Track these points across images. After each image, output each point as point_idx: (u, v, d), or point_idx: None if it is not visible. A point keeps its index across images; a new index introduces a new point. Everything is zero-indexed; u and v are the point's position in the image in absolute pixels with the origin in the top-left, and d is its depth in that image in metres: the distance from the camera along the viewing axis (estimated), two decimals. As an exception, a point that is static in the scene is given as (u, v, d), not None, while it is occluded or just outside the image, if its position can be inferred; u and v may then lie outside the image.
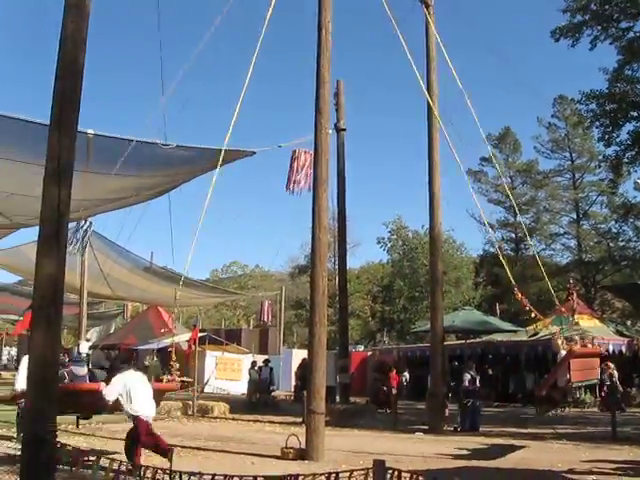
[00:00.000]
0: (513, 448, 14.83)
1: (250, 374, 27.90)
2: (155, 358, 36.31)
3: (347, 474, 5.56)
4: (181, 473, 6.23)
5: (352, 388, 29.27)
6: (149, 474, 6.27)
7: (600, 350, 16.42)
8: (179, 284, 18.30)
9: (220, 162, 13.69)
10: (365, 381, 37.42)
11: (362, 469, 5.49)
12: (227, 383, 35.21)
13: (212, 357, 35.00)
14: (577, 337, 16.40)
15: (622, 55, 24.12)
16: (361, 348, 45.96)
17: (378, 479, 5.08)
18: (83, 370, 13.18)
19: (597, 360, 16.75)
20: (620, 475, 10.86)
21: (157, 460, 10.21)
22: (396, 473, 5.24)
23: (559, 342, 14.22)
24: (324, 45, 13.86)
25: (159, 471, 6.35)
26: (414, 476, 5.23)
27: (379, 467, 5.12)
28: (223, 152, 14.01)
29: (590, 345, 17.26)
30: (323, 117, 13.78)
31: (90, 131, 13.63)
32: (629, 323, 37.84)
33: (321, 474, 5.80)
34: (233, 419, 20.99)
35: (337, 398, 25.90)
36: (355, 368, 35.81)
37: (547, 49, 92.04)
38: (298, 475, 5.83)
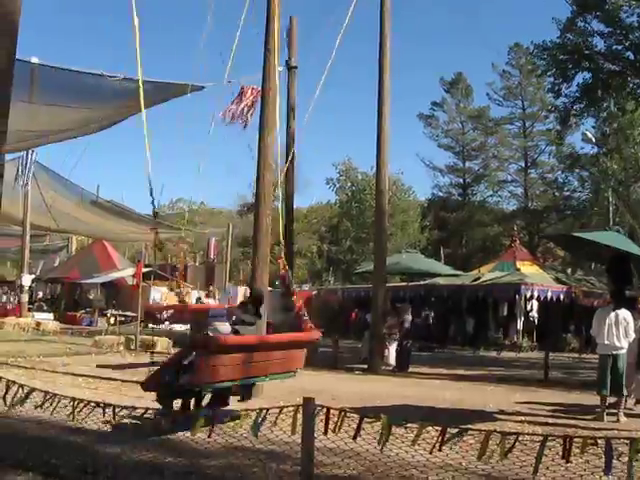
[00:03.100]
0: (449, 388, 15.24)
1: (194, 310, 27.85)
2: (99, 292, 36.26)
3: (277, 410, 5.68)
4: (105, 404, 6.28)
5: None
6: (81, 405, 6.31)
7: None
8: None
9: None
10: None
11: (292, 405, 5.60)
12: (172, 318, 35.23)
13: (157, 292, 34.93)
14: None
15: (576, 6, 24.17)
16: (307, 287, 46.26)
17: (306, 415, 5.19)
18: None
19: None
20: (547, 417, 11.24)
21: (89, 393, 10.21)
22: (324, 410, 5.37)
23: None
24: (275, -23, 13.44)
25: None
26: (341, 413, 5.36)
27: (308, 404, 5.23)
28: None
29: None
30: (272, 54, 13.41)
31: (34, 59, 13.23)
32: (569, 271, 38.70)
33: (253, 410, 5.91)
34: (175, 354, 21.01)
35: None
36: (300, 306, 36.04)
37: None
38: (230, 411, 5.93)
